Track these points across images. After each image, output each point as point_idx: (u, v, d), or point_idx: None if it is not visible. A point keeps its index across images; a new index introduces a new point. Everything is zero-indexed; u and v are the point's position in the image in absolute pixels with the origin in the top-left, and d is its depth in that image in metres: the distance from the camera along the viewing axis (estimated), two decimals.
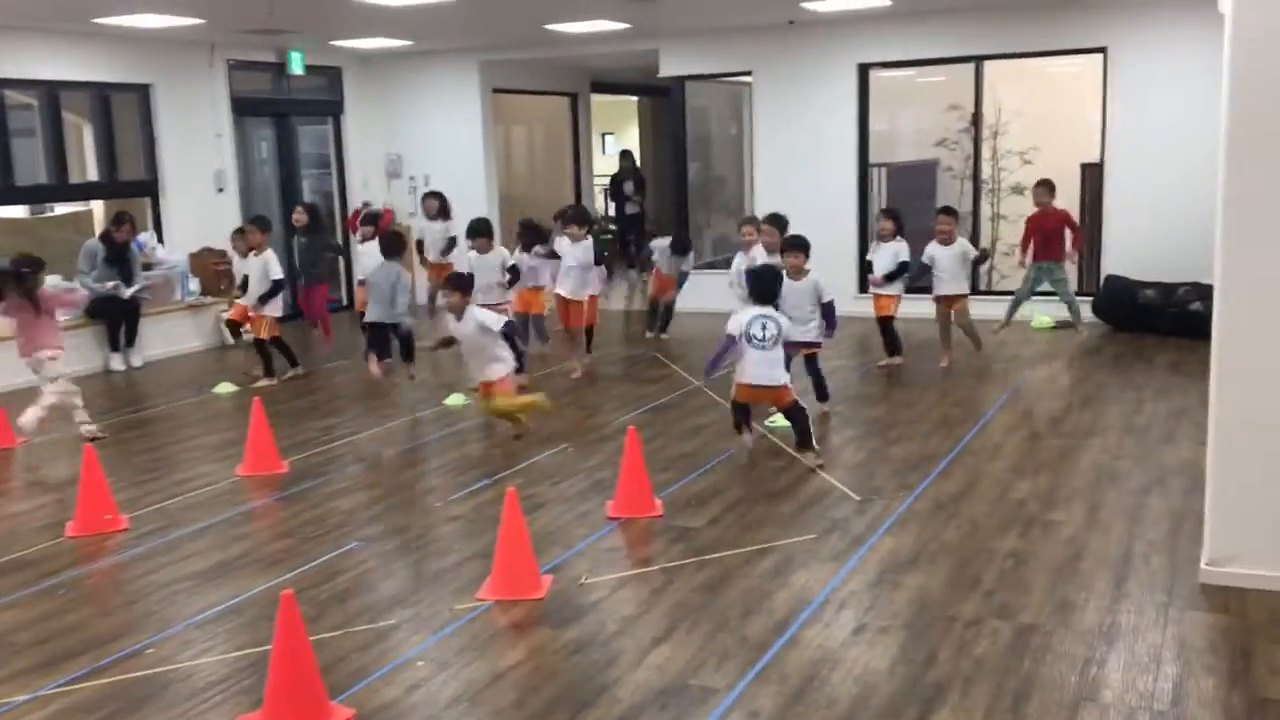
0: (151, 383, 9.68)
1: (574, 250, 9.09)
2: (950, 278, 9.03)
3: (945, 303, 9.12)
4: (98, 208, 11.22)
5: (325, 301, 10.83)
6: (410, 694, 3.89)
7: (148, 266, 10.72)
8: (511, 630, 4.42)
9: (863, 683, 3.86)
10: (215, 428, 7.90)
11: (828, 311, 7.37)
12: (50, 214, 11.08)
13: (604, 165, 17.48)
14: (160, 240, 11.21)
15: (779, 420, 7.31)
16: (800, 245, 7.47)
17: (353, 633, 4.38)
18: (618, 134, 19.13)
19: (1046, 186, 9.88)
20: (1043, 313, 10.59)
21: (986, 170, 11.74)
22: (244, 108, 12.15)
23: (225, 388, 9.10)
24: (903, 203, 10.43)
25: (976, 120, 11.53)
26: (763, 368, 6.33)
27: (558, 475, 6.44)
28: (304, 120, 13.31)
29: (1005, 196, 11.90)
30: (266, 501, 6.25)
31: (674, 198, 13.36)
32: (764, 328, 6.34)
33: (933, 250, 9.04)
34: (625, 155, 15.62)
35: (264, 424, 6.72)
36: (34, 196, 10.73)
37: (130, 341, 10.31)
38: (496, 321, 7.07)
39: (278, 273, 9.18)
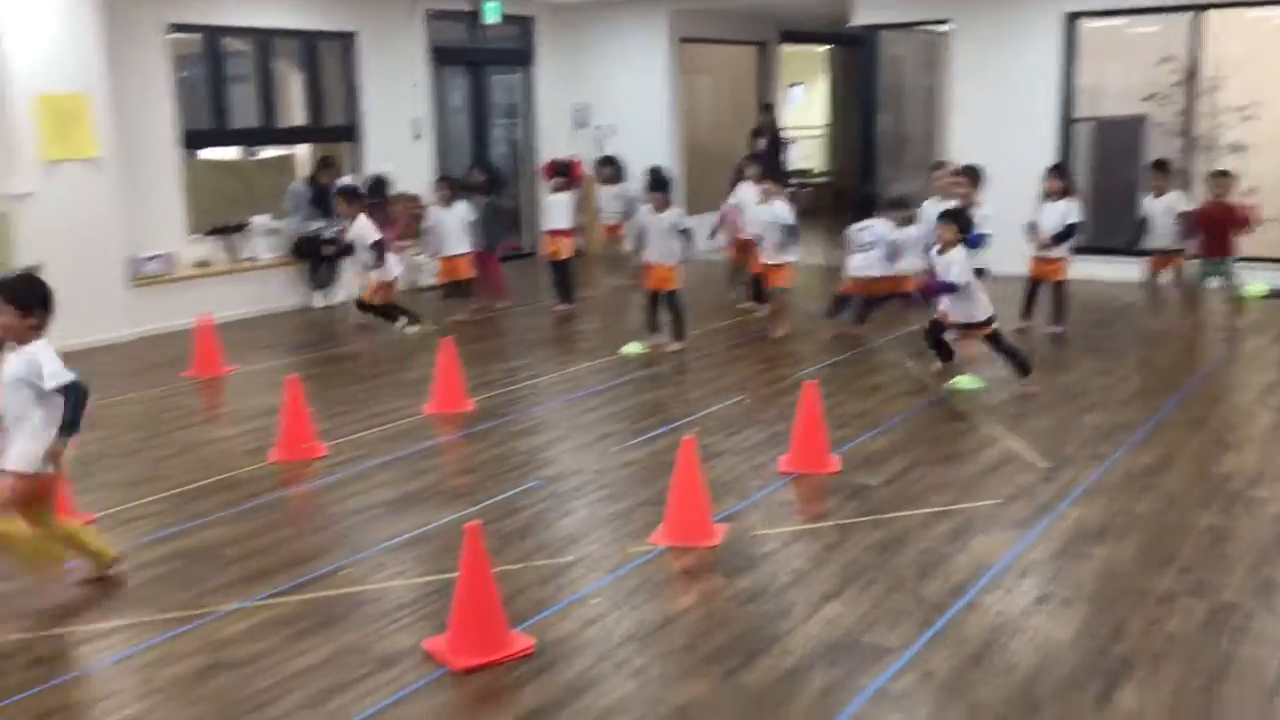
0: (347, 321, 10.14)
1: (768, 208, 8.90)
2: (1165, 232, 8.68)
3: (1158, 259, 8.76)
4: (302, 152, 11.76)
5: (500, 266, 10.78)
6: (585, 629, 3.99)
7: None
8: (683, 576, 4.47)
9: (1044, 652, 3.75)
10: (405, 366, 8.23)
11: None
12: (258, 157, 11.69)
13: (792, 117, 17.23)
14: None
15: (963, 381, 7.12)
16: (953, 217, 7.19)
17: (531, 567, 4.52)
18: (806, 85, 18.80)
19: (1226, 176, 8.86)
20: (1256, 281, 9.92)
21: (1201, 126, 11.01)
22: (440, 57, 12.49)
23: (418, 328, 9.45)
24: (1108, 159, 9.90)
25: (1193, 73, 10.81)
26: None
27: (734, 426, 6.44)
28: (496, 70, 13.59)
29: (1222, 155, 11.14)
30: (452, 438, 6.48)
31: (860, 152, 13.05)
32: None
33: (1148, 205, 8.74)
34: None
35: (453, 364, 6.95)
36: (245, 140, 11.33)
37: (329, 281, 10.81)
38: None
39: (374, 235, 9.06)
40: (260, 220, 10.69)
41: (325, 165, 10.79)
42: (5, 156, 8.62)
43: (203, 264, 10.23)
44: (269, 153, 11.64)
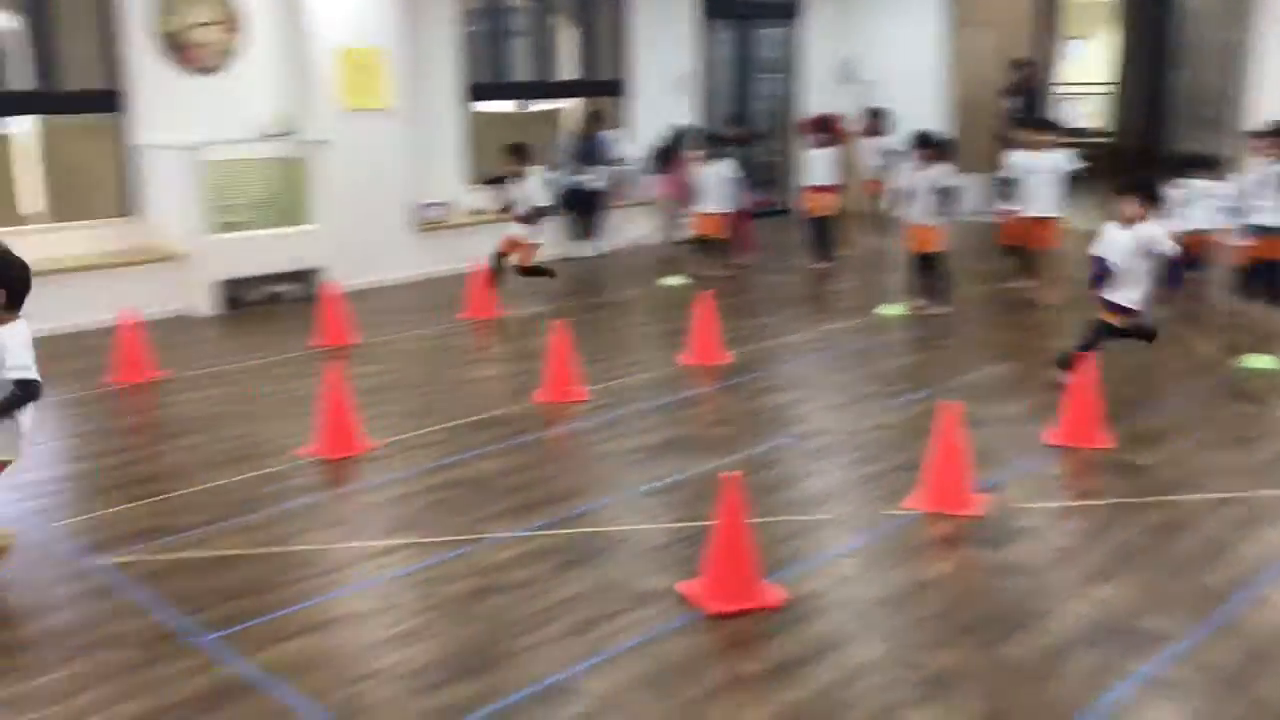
0: (610, 271, 10.42)
1: (1043, 161, 8.47)
2: None
3: None
4: (570, 105, 12.10)
5: (750, 223, 10.74)
6: (838, 587, 3.99)
7: (614, 163, 11.46)
8: (939, 543, 4.39)
9: None
10: (664, 317, 8.39)
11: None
12: (530, 110, 12.12)
13: (1071, 73, 16.25)
14: (625, 139, 11.92)
15: (1258, 359, 6.60)
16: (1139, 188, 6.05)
17: (784, 521, 4.55)
18: (1088, 39, 17.66)
19: None
20: None
21: None
22: (711, 10, 12.52)
23: (674, 280, 9.61)
24: None
25: None
26: None
27: (996, 395, 6.23)
28: (763, 23, 13.50)
29: None
30: (707, 390, 6.58)
31: (1148, 110, 12.19)
32: None
33: None
34: (1021, 65, 14.30)
35: (712, 317, 7.04)
36: (521, 93, 11.77)
37: (594, 231, 11.13)
38: None
39: (544, 198, 9.05)
40: (532, 172, 11.10)
41: (594, 119, 11.09)
42: (308, 105, 9.33)
43: (478, 212, 10.75)
44: (541, 106, 12.05)
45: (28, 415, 4.09)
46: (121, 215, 8.87)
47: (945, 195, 8.14)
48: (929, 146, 8.26)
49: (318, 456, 5.38)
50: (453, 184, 10.65)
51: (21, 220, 9.22)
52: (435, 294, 9.35)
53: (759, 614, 3.77)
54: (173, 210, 8.69)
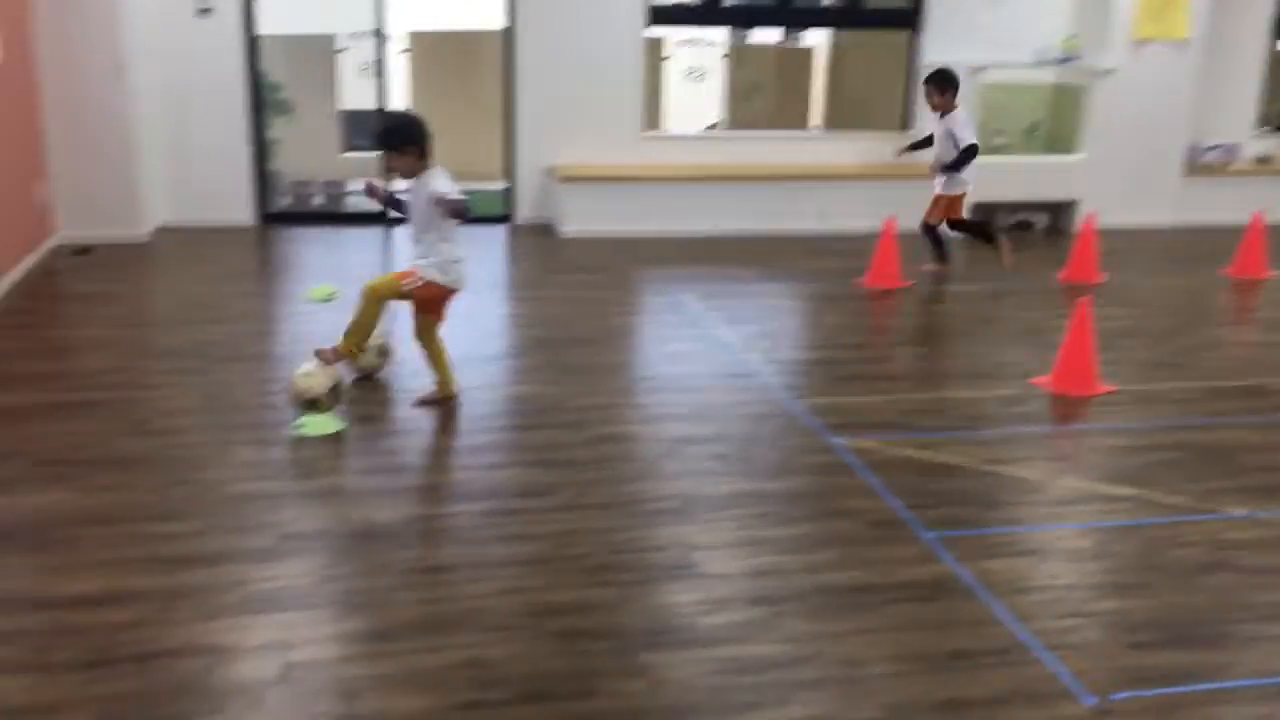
0: None
1: None
2: None
3: None
4: None
5: None
6: None
7: None
8: None
9: None
10: None
11: None
12: None
13: None
14: None
15: None
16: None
17: None
18: None
19: None
20: None
21: None
22: None
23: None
24: None
25: None
26: None
27: None
28: None
29: None
30: None
31: None
32: None
33: None
34: None
35: None
36: None
37: None
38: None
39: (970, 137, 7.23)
40: None
41: None
42: (1099, 31, 8.98)
43: (1264, 160, 9.65)
44: None
45: (459, 247, 4.80)
46: (900, 129, 9.39)
47: None
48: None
49: (1051, 390, 5.33)
50: (1241, 127, 9.64)
51: (804, 126, 10.20)
52: (1197, 244, 8.65)
53: None
54: None
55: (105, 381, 5.12)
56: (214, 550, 3.60)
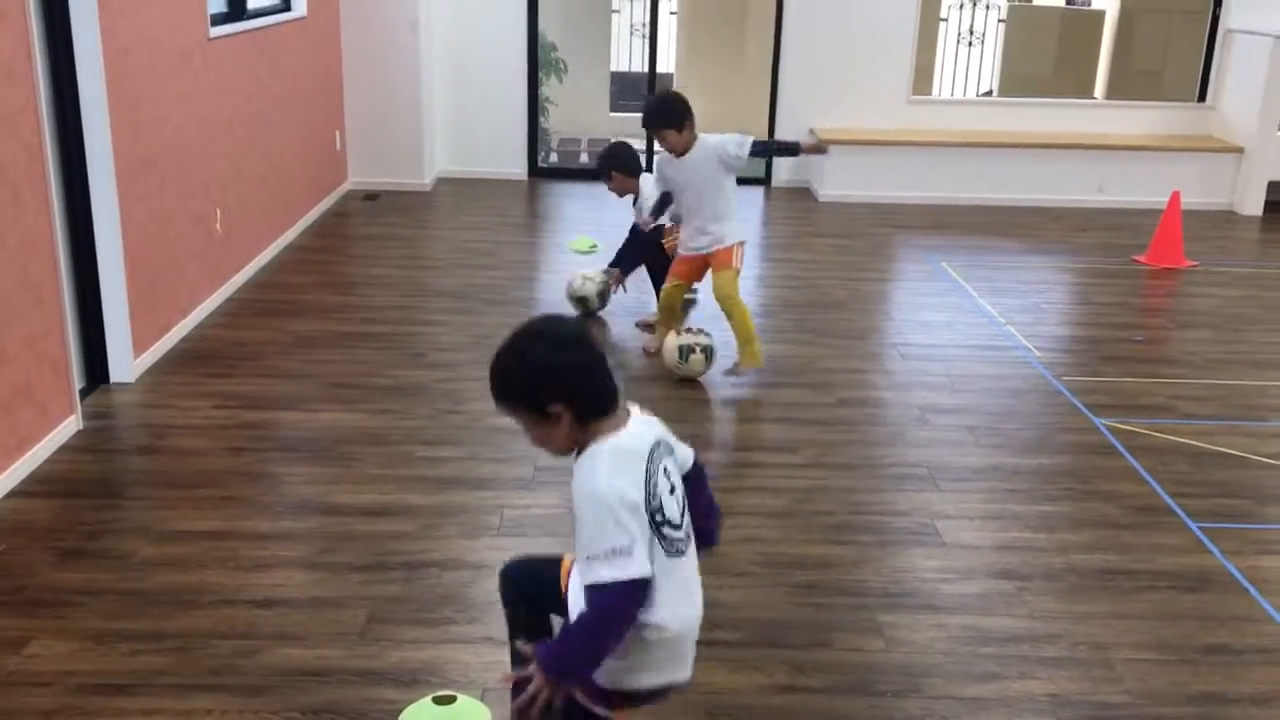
0: None
1: None
2: None
3: None
4: None
5: None
6: None
7: None
8: None
9: None
10: None
11: None
12: None
13: None
14: None
15: None
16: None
17: None
18: None
19: None
20: None
21: None
22: None
23: None
24: None
25: None
26: None
27: None
28: None
29: None
30: None
31: None
32: None
33: None
34: None
35: None
36: None
37: None
38: None
39: None
40: None
41: None
42: None
43: None
44: None
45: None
46: (1194, 100, 8.74)
47: None
48: None
49: None
50: None
51: (1089, 95, 9.66)
52: None
53: None
54: (1245, 101, 8.30)
55: (387, 316, 5.53)
56: (478, 476, 3.85)
